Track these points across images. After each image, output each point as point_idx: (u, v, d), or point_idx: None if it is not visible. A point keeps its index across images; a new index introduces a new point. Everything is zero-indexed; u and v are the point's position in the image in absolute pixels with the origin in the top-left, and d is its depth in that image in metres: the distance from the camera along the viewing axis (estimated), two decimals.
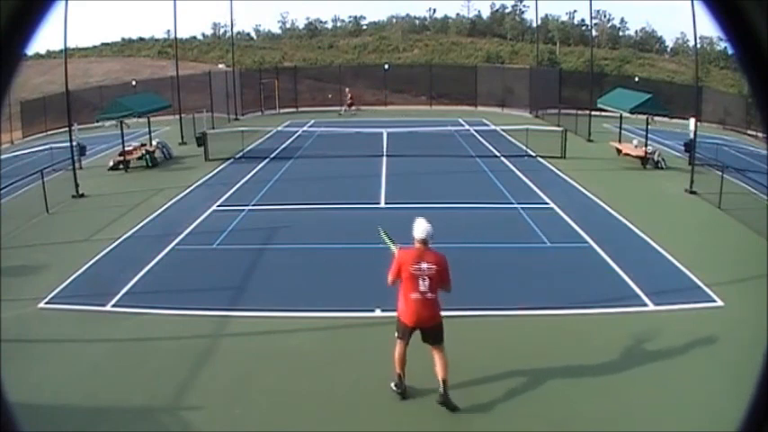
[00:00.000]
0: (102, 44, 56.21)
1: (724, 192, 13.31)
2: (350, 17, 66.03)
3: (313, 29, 64.14)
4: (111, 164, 18.48)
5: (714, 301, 8.43)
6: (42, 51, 45.01)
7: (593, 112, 22.78)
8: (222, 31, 60.15)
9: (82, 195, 15.11)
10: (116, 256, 10.73)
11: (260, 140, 22.66)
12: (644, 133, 18.63)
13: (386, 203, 13.84)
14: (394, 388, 6.08)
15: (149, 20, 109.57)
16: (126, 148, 18.66)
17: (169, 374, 6.66)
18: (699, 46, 32.62)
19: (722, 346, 7.14)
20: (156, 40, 55.27)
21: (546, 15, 57.70)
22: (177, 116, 23.23)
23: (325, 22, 66.19)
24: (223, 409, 6.02)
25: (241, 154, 19.75)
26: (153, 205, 13.97)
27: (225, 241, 11.36)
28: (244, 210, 13.42)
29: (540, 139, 19.87)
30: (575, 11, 58.52)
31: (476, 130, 23.62)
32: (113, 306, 8.51)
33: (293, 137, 23.37)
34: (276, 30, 66.64)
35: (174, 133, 22.80)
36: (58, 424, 5.73)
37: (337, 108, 31.45)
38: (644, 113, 18.20)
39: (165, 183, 16.26)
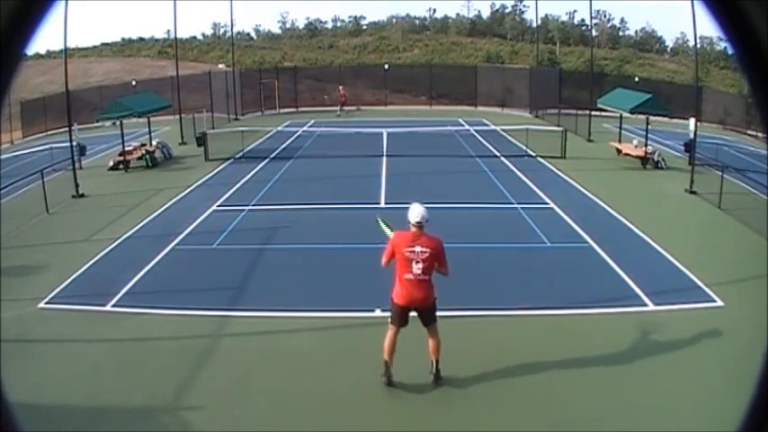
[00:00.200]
0: (102, 44, 56.23)
1: (724, 192, 13.31)
2: (350, 17, 66.10)
3: (313, 29, 64.12)
4: (111, 164, 18.48)
5: (714, 301, 8.43)
6: (42, 51, 45.02)
7: (594, 112, 22.78)
8: (222, 31, 60.19)
9: (82, 195, 15.11)
10: (116, 256, 10.73)
11: (260, 140, 22.66)
12: (644, 133, 18.63)
13: (386, 203, 13.83)
14: (382, 379, 6.20)
15: (149, 20, 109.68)
16: (126, 148, 18.66)
17: (169, 374, 6.65)
18: (699, 46, 32.62)
19: (722, 345, 7.14)
20: (156, 40, 55.27)
21: (546, 15, 57.78)
22: (177, 116, 23.22)
23: (326, 22, 66.27)
24: (223, 409, 6.02)
25: (241, 154, 19.75)
26: (153, 205, 13.97)
27: (225, 241, 11.36)
28: (244, 210, 13.43)
29: (540, 139, 19.87)
30: (575, 11, 58.59)
31: (476, 130, 23.61)
32: (113, 306, 8.51)
33: (293, 137, 23.36)
34: (276, 30, 66.71)
35: (174, 133, 22.79)
36: (58, 424, 5.73)
37: (334, 108, 31.30)
38: (644, 113, 18.20)
39: (165, 183, 16.26)
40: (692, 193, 14.63)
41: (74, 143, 16.24)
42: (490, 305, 8.29)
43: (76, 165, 16.34)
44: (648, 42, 59.83)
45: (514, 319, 7.95)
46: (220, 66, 40.94)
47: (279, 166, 18.10)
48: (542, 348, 7.13)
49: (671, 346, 7.20)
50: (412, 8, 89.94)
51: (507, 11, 62.63)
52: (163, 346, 7.42)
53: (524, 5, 61.34)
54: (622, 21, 61.58)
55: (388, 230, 6.50)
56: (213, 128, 23.59)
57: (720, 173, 14.00)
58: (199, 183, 16.32)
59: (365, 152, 19.29)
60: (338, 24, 66.05)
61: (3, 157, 21.03)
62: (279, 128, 24.96)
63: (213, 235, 11.60)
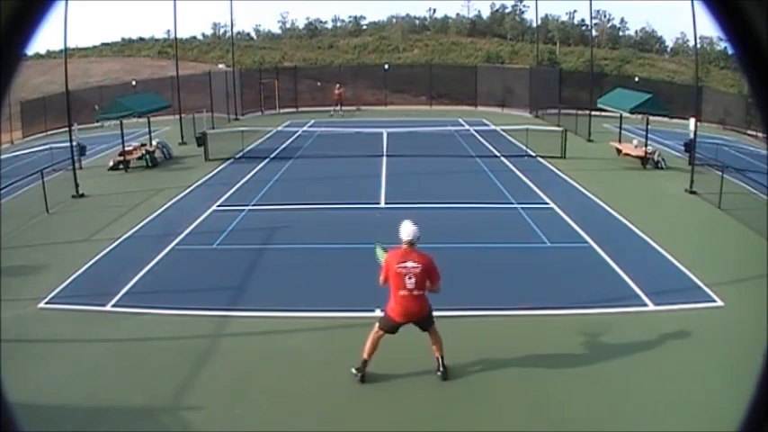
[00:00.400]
0: (102, 44, 56.16)
1: (724, 192, 13.31)
2: (350, 17, 66.00)
3: (313, 29, 64.06)
4: (111, 164, 18.48)
5: (714, 301, 8.44)
6: (42, 51, 44.96)
7: (594, 112, 22.77)
8: (222, 31, 60.10)
9: (82, 195, 15.11)
10: (116, 256, 10.73)
11: (260, 140, 22.66)
12: (644, 133, 18.63)
13: (386, 203, 13.83)
14: (354, 372, 6.35)
15: (149, 20, 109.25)
16: (126, 148, 18.66)
17: (169, 374, 6.66)
18: (699, 46, 32.61)
19: (722, 346, 7.14)
20: (156, 40, 55.22)
21: (546, 15, 57.69)
22: (177, 116, 23.21)
23: (326, 22, 66.17)
24: (223, 409, 6.02)
25: (241, 154, 19.75)
26: (153, 205, 13.97)
27: (225, 241, 11.36)
28: (244, 210, 13.43)
29: (540, 139, 19.87)
30: (575, 11, 58.50)
31: (476, 130, 23.61)
32: (113, 306, 8.52)
33: (293, 137, 23.36)
34: (276, 30, 66.57)
35: (174, 133, 22.79)
36: (58, 424, 5.73)
37: (333, 108, 31.19)
38: (644, 113, 18.20)
39: (165, 183, 16.26)
40: (692, 193, 14.63)
41: (74, 143, 16.24)
42: (490, 305, 8.29)
43: (76, 165, 16.34)
44: (648, 42, 59.79)
45: (514, 319, 7.95)
46: (220, 66, 40.92)
47: (279, 166, 18.10)
48: (542, 348, 7.13)
49: (671, 346, 7.20)
50: (412, 8, 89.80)
51: (507, 11, 62.60)
52: (163, 346, 7.42)
53: (524, 5, 61.36)
54: (622, 21, 61.55)
55: (383, 256, 6.55)
56: (213, 128, 23.59)
57: (720, 173, 14.00)
58: (199, 183, 16.32)
59: (365, 152, 19.29)
60: (338, 24, 66.04)
61: (3, 157, 21.03)
62: (279, 128, 24.96)
63: (213, 235, 11.61)
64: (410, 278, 6.03)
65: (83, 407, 6.05)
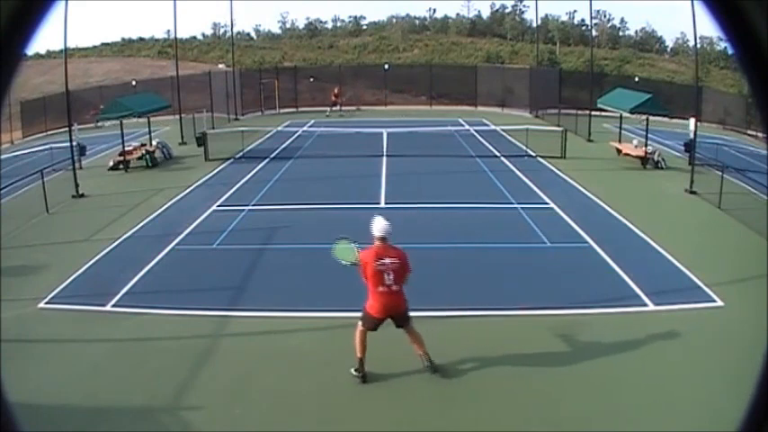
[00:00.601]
0: (102, 44, 56.16)
1: (724, 192, 13.30)
2: (350, 17, 66.01)
3: (313, 29, 64.06)
4: (111, 164, 18.48)
5: (714, 301, 8.43)
6: (42, 51, 44.97)
7: (594, 112, 22.77)
8: (222, 31, 60.12)
9: (82, 195, 15.11)
10: (116, 256, 10.73)
11: (260, 140, 22.65)
12: (644, 133, 18.63)
13: (386, 203, 13.83)
14: (354, 373, 6.34)
15: (149, 20, 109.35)
16: (126, 149, 18.66)
17: (169, 374, 6.66)
18: (699, 46, 32.60)
19: (722, 346, 7.14)
20: (156, 40, 55.22)
21: (546, 15, 57.71)
22: (177, 116, 23.21)
23: (326, 22, 66.18)
24: (223, 409, 6.02)
25: (241, 154, 19.75)
26: (153, 205, 13.97)
27: (225, 241, 11.36)
28: (244, 210, 13.42)
29: (540, 139, 19.87)
30: (575, 11, 58.51)
31: (476, 130, 23.61)
32: (113, 306, 8.52)
33: (293, 137, 23.36)
34: (276, 30, 66.59)
35: (174, 133, 22.79)
36: (58, 424, 5.73)
37: (330, 109, 31.16)
38: (644, 113, 18.20)
39: (165, 183, 16.26)
40: (692, 193, 14.63)
41: (74, 143, 16.24)
42: (490, 305, 8.28)
43: (76, 165, 16.33)
44: (648, 42, 59.79)
45: (514, 319, 7.95)
46: (220, 66, 40.92)
47: (279, 166, 18.10)
48: (542, 348, 7.14)
49: (671, 346, 7.20)
50: (412, 8, 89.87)
51: (507, 11, 62.61)
52: (163, 346, 7.42)
53: (524, 5, 61.36)
54: (622, 21, 61.56)
55: (347, 256, 6.56)
56: (213, 128, 23.59)
57: (720, 173, 14.00)
58: (199, 183, 16.32)
59: (365, 152, 19.29)
60: (338, 24, 66.05)
61: (3, 157, 21.03)
62: (279, 128, 24.96)
63: (213, 235, 11.60)
64: (389, 275, 6.08)
65: (83, 407, 6.05)
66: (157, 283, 9.37)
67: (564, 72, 36.03)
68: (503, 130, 23.15)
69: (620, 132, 20.08)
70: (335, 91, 31.37)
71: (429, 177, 16.51)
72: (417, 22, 65.59)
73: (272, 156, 19.68)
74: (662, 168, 17.81)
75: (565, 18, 59.29)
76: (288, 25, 66.05)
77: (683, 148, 18.57)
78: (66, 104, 16.48)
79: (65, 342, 7.58)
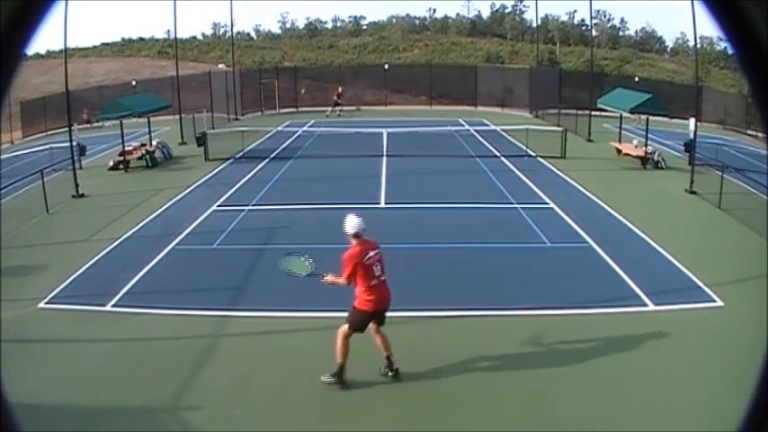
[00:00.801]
0: (102, 44, 56.14)
1: (724, 192, 13.30)
2: (350, 17, 66.01)
3: (313, 29, 64.06)
4: (111, 164, 18.48)
5: (714, 301, 8.44)
6: (42, 51, 44.94)
7: (594, 112, 22.77)
8: (222, 31, 60.10)
9: (82, 195, 15.11)
10: (116, 256, 10.73)
11: (260, 140, 22.65)
12: (644, 133, 18.63)
13: (386, 203, 13.83)
14: (331, 379, 6.26)
15: (149, 20, 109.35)
16: (126, 148, 18.66)
17: (169, 374, 6.66)
18: (699, 46, 32.57)
19: (722, 346, 7.14)
20: (156, 40, 55.21)
21: (546, 15, 57.69)
22: (177, 116, 23.21)
23: (326, 22, 66.17)
24: (223, 409, 6.02)
25: (241, 154, 19.75)
26: (153, 205, 13.97)
27: (225, 241, 11.36)
28: (244, 210, 13.42)
29: (540, 139, 19.87)
30: (575, 11, 58.50)
31: (476, 130, 23.61)
32: (113, 306, 8.52)
33: (293, 137, 23.36)
34: (276, 30, 66.57)
35: (174, 133, 22.79)
36: (58, 424, 5.73)
37: (330, 109, 31.14)
38: (644, 113, 18.20)
39: (165, 183, 16.26)
40: (692, 193, 14.63)
41: (74, 143, 16.24)
42: (490, 305, 8.28)
43: (76, 165, 16.33)
44: (648, 42, 59.78)
45: (514, 319, 7.95)
46: (220, 66, 40.91)
47: (279, 166, 18.10)
48: (542, 348, 7.14)
49: (671, 346, 7.20)
50: (412, 8, 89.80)
51: (507, 11, 62.60)
52: (163, 346, 7.42)
53: (524, 5, 61.35)
54: (622, 21, 61.55)
55: (300, 268, 6.67)
56: (213, 128, 23.59)
57: (720, 173, 14.00)
58: (199, 183, 16.32)
59: (365, 152, 19.29)
60: (338, 24, 66.03)
61: (3, 157, 21.02)
62: (279, 128, 24.96)
63: (213, 235, 11.60)
64: (377, 266, 6.14)
65: (83, 407, 6.05)
66: (157, 283, 9.37)
67: (564, 72, 36.04)
68: (503, 130, 23.15)
69: (620, 132, 20.08)
70: (338, 91, 31.39)
71: (429, 177, 16.51)
72: (417, 22, 65.61)
73: (272, 156, 19.68)
74: (662, 168, 17.81)
75: (565, 18, 59.35)
76: (288, 25, 66.10)
77: (683, 148, 18.57)
78: (67, 104, 16.50)
79: (65, 342, 7.58)
